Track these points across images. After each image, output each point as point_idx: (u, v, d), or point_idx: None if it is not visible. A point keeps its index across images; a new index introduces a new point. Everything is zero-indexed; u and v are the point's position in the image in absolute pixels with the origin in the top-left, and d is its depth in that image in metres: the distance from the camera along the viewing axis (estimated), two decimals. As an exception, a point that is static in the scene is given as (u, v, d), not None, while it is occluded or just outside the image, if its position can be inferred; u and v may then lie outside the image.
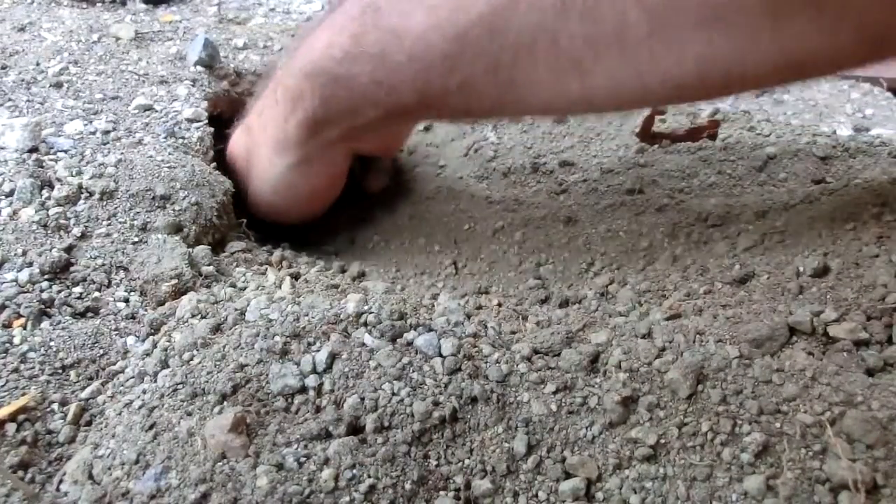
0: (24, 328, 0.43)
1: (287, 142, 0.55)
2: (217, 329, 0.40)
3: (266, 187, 0.60)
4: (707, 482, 0.33)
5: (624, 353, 0.38)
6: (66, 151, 0.56)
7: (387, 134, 0.60)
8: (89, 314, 0.45)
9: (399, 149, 0.72)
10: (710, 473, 0.33)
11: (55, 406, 0.39)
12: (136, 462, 0.34)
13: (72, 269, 0.47)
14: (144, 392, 0.38)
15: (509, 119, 0.74)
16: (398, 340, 0.38)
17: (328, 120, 0.52)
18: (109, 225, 0.51)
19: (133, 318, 0.46)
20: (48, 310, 0.45)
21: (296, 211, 0.63)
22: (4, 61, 0.69)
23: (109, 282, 0.47)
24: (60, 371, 0.41)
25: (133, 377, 0.40)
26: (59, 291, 0.46)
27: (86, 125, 0.60)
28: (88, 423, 0.39)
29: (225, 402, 0.36)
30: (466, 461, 0.34)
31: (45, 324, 0.44)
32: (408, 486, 0.33)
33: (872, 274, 0.41)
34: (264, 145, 0.58)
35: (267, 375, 0.36)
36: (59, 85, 0.66)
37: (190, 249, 0.50)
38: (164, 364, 0.39)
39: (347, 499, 0.32)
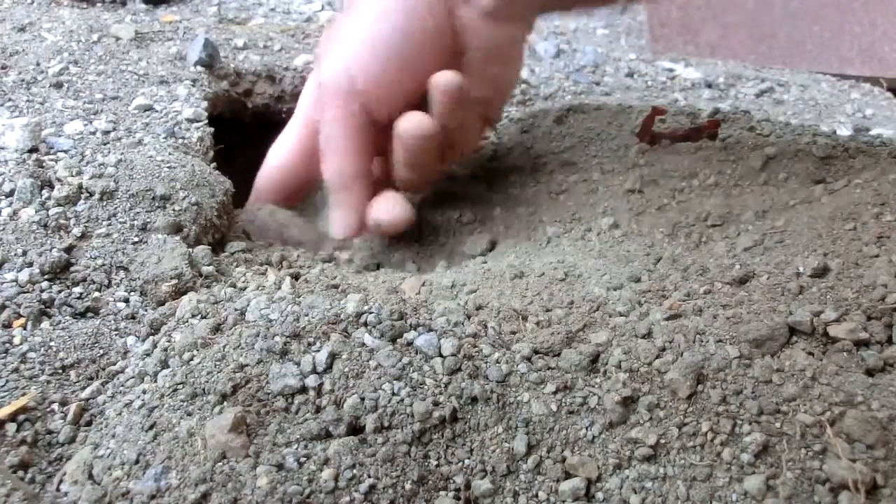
0: (24, 328, 0.43)
1: None
2: (217, 329, 0.40)
3: (365, 12, 0.53)
4: (707, 482, 0.33)
5: (624, 353, 0.38)
6: (66, 151, 0.56)
7: (504, 25, 0.54)
8: (89, 314, 0.45)
9: (507, 80, 0.60)
10: (710, 473, 0.33)
11: (55, 406, 0.39)
12: (136, 462, 0.34)
13: (72, 269, 0.47)
14: (144, 392, 0.38)
15: None
16: (398, 340, 0.38)
17: None
18: (109, 225, 0.51)
19: (133, 318, 0.46)
20: (48, 310, 0.45)
21: (377, 59, 0.53)
22: (4, 61, 0.69)
23: (109, 282, 0.47)
24: (60, 371, 0.41)
25: (133, 377, 0.40)
26: (59, 291, 0.46)
27: (86, 125, 0.60)
28: (88, 423, 0.39)
29: (225, 402, 0.36)
30: (466, 461, 0.34)
31: (45, 324, 0.44)
32: (408, 486, 0.33)
33: (872, 274, 0.41)
34: None
35: (267, 375, 0.36)
36: (59, 85, 0.66)
37: (190, 249, 0.50)
38: (164, 364, 0.39)
39: (347, 499, 0.32)
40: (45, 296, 0.45)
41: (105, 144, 0.58)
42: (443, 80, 0.53)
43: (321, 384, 0.36)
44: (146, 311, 0.46)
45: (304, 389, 0.36)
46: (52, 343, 0.42)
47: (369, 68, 0.52)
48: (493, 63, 0.57)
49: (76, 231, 0.49)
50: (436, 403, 0.35)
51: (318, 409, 0.35)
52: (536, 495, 0.34)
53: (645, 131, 0.66)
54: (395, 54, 0.52)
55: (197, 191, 0.54)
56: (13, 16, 0.79)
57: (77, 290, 0.46)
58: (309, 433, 0.34)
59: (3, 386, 0.39)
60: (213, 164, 0.61)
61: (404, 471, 0.34)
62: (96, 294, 0.46)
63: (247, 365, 0.37)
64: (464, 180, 0.68)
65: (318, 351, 0.37)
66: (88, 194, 0.52)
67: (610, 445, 0.35)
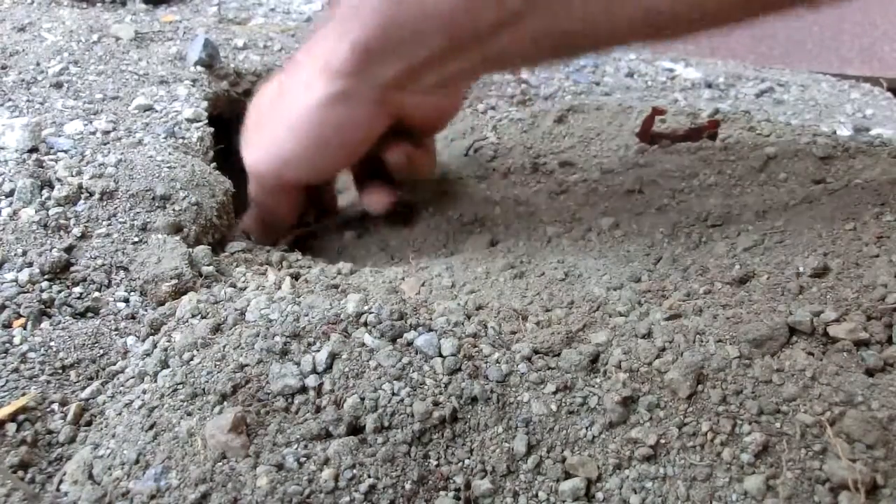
0: (24, 328, 0.43)
1: (334, 66, 0.48)
2: (217, 329, 0.40)
3: (290, 121, 0.52)
4: (707, 482, 0.33)
5: (624, 353, 0.38)
6: (66, 151, 0.56)
7: (443, 92, 0.53)
8: (89, 314, 0.45)
9: (447, 122, 0.61)
10: (710, 473, 0.33)
11: (55, 406, 0.39)
12: (136, 462, 0.34)
13: (72, 269, 0.47)
14: (144, 392, 0.38)
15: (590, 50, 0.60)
16: (398, 340, 0.38)
17: (386, 47, 0.46)
18: (109, 225, 0.51)
19: (133, 318, 0.46)
20: (48, 310, 0.45)
21: (308, 162, 0.54)
22: (4, 61, 0.69)
23: (109, 282, 0.47)
24: (60, 371, 0.41)
25: (133, 377, 0.40)
26: (59, 291, 0.46)
27: (86, 125, 0.60)
28: (88, 423, 0.39)
29: (225, 402, 0.36)
30: (466, 461, 0.34)
31: (45, 324, 0.44)
32: (408, 486, 0.33)
33: (872, 274, 0.41)
34: (307, 67, 0.50)
35: (267, 375, 0.36)
36: (59, 85, 0.66)
37: (190, 249, 0.50)
38: (164, 364, 0.39)
39: (347, 499, 0.32)
40: (45, 296, 0.45)
41: (105, 144, 0.58)
42: (376, 202, 0.58)
43: (321, 384, 0.36)
44: (146, 311, 0.46)
45: (304, 389, 0.36)
46: (52, 343, 0.42)
47: (293, 161, 0.54)
48: (432, 123, 0.58)
49: (76, 231, 0.49)
50: (436, 403, 0.35)
51: (318, 409, 0.35)
52: (536, 495, 0.34)
53: (645, 131, 0.66)
54: (323, 145, 0.52)
55: (197, 191, 0.54)
56: (13, 16, 0.79)
57: (77, 290, 0.46)
58: (309, 433, 0.34)
59: (3, 386, 0.39)
60: (213, 164, 0.61)
61: (404, 471, 0.34)
62: (96, 294, 0.46)
63: (247, 365, 0.37)
64: (464, 180, 0.68)
65: (318, 351, 0.37)
66: (88, 194, 0.52)
67: (610, 445, 0.35)
